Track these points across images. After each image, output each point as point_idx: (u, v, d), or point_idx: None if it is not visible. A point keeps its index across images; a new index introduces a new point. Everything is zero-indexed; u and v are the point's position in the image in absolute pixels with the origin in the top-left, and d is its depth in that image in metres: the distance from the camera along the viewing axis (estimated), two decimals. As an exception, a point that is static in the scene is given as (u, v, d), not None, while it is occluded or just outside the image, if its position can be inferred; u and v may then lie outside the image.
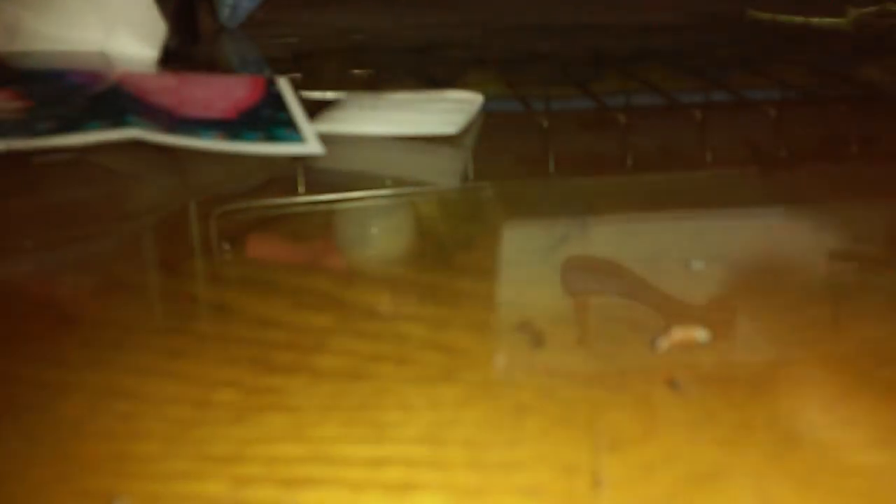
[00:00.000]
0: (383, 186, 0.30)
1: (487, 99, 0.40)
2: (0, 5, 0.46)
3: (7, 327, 0.21)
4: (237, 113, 0.37)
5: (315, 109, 0.38)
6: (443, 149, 0.35)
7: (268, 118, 0.37)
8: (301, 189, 0.30)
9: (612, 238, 0.26)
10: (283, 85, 0.41)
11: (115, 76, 0.41)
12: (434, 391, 0.18)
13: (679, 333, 0.21)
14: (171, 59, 0.50)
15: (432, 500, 0.15)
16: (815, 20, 0.64)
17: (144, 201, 0.29)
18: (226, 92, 0.40)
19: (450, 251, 0.25)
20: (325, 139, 0.35)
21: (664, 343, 0.20)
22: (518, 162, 0.34)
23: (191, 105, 0.38)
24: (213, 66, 0.50)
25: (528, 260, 0.25)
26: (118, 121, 0.34)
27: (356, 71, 0.46)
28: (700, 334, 0.21)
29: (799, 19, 0.65)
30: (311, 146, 0.34)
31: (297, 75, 0.44)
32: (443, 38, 0.56)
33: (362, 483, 0.16)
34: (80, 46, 0.47)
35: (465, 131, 0.36)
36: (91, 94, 0.38)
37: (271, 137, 0.34)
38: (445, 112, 0.37)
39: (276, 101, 0.39)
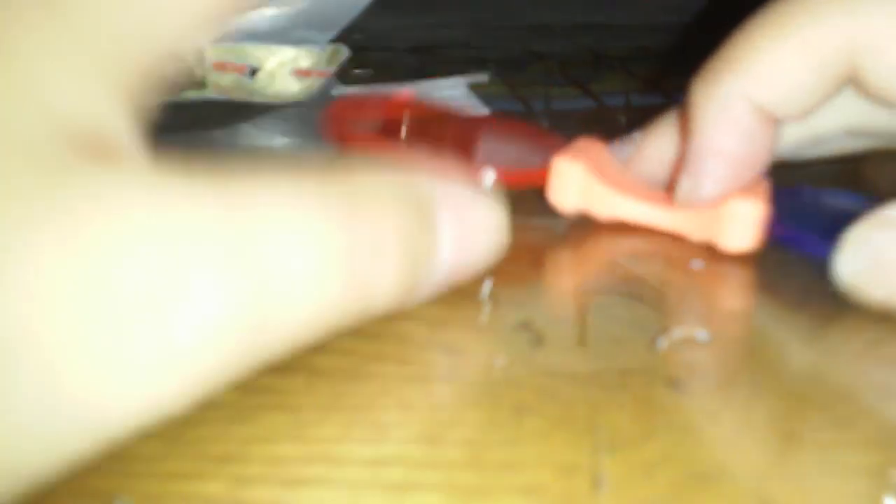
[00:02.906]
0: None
1: (488, 99, 0.39)
2: None
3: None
4: None
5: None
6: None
7: None
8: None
9: (612, 237, 0.26)
10: None
11: None
12: (434, 391, 0.18)
13: (679, 333, 0.21)
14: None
15: (432, 500, 0.15)
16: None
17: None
18: None
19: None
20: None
21: (664, 343, 0.20)
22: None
23: None
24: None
25: (529, 259, 0.25)
26: None
27: (356, 71, 0.46)
28: (700, 334, 0.21)
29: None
30: None
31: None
32: (443, 38, 0.56)
33: (362, 483, 0.16)
34: None
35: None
36: None
37: None
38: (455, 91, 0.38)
39: None
